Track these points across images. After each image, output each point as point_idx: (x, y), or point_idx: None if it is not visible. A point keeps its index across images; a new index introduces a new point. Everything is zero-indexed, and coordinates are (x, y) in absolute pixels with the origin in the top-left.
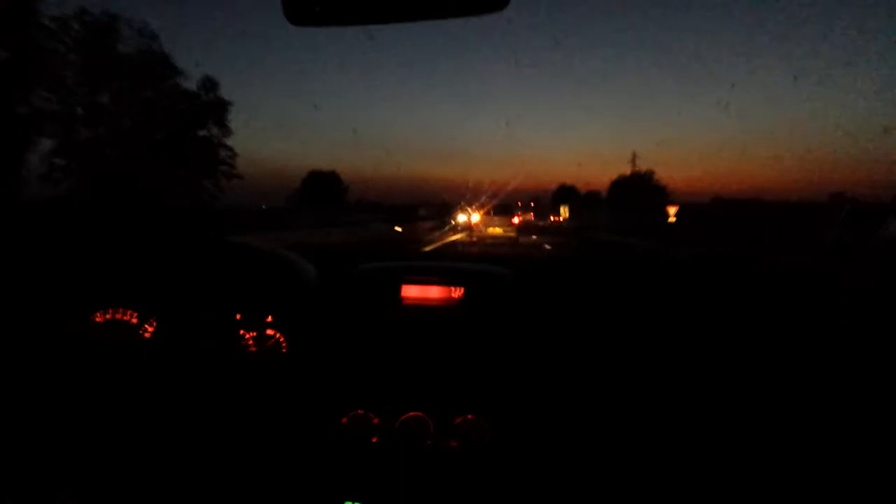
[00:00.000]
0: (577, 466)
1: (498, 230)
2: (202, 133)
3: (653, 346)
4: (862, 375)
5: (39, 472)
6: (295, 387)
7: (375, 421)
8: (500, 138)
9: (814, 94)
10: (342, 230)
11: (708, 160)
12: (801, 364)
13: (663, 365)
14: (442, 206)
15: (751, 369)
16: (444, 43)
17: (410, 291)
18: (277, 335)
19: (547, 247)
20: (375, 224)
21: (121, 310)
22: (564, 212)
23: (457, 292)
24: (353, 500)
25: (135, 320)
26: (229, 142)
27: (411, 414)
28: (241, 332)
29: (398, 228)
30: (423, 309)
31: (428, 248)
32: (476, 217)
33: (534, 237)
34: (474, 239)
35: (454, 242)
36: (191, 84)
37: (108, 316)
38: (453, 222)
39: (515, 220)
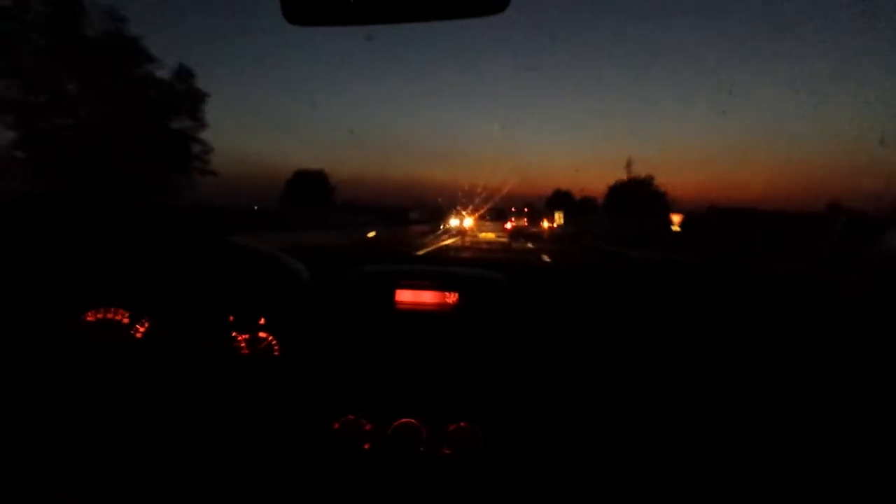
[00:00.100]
0: (571, 474)
1: (491, 235)
2: (175, 125)
3: (647, 353)
4: (856, 379)
5: (39, 472)
6: (287, 391)
7: (368, 427)
8: (494, 142)
9: (812, 103)
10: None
11: (704, 168)
12: (796, 373)
13: (658, 372)
14: (434, 210)
15: (745, 378)
16: (441, 44)
17: (404, 296)
18: (270, 338)
19: (546, 259)
20: (373, 227)
21: (113, 309)
22: (559, 218)
23: (451, 297)
24: None
25: (126, 320)
26: (204, 135)
27: (404, 420)
28: (234, 333)
29: (371, 234)
30: (417, 314)
31: (420, 252)
32: (469, 221)
33: (529, 245)
34: (467, 243)
35: (446, 247)
36: (164, 73)
37: (100, 315)
38: (445, 226)
39: (508, 225)
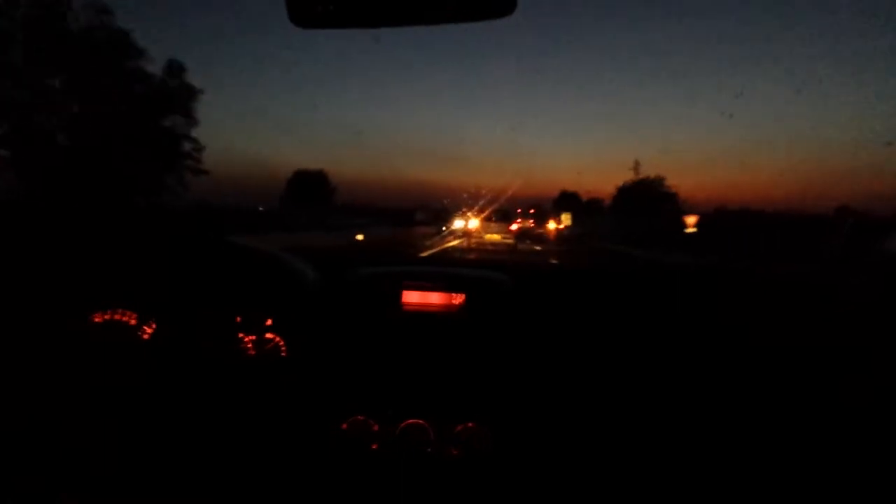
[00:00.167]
0: (578, 475)
1: (496, 237)
2: (166, 122)
3: (653, 354)
4: (860, 381)
5: (39, 472)
6: (294, 391)
7: (375, 427)
8: (500, 144)
9: (819, 105)
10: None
11: (710, 170)
12: (800, 374)
13: (664, 374)
14: (440, 211)
15: (750, 380)
16: (446, 47)
17: (411, 297)
18: (277, 339)
19: (553, 261)
20: (364, 229)
21: (120, 310)
22: (567, 219)
23: (457, 299)
24: None
25: (134, 321)
26: (197, 133)
27: (411, 421)
28: (241, 334)
29: (359, 237)
30: (424, 315)
31: (425, 254)
32: (474, 223)
33: (535, 247)
34: (472, 244)
35: (451, 249)
36: (155, 68)
37: (107, 316)
38: (450, 227)
39: (514, 226)
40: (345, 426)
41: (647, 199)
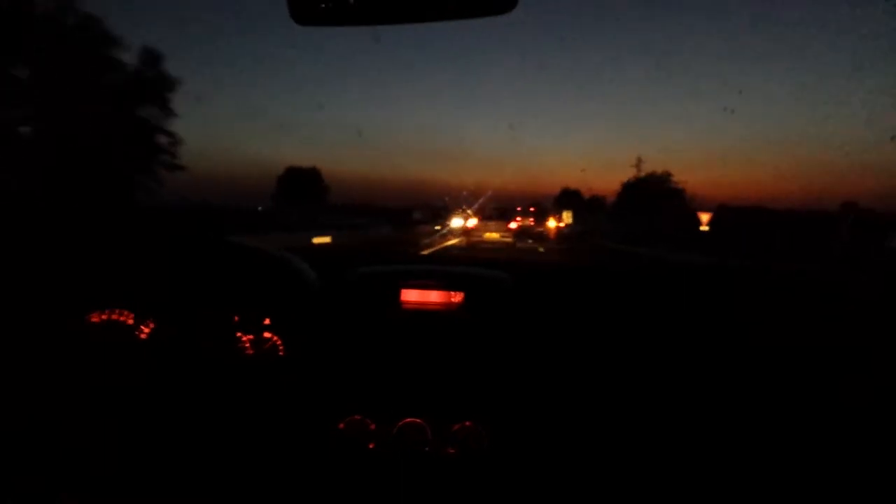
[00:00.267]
0: (575, 474)
1: (495, 235)
2: (140, 115)
3: (653, 354)
4: (860, 379)
5: (39, 472)
6: (292, 390)
7: (372, 426)
8: (500, 142)
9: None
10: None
11: (712, 167)
12: (802, 374)
13: (663, 372)
14: (438, 210)
15: (752, 380)
16: (446, 44)
17: (410, 295)
18: (275, 338)
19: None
20: (381, 228)
21: (117, 310)
22: (567, 217)
23: (456, 297)
24: None
25: (131, 321)
26: (172, 126)
27: (409, 420)
28: (239, 334)
29: (322, 240)
30: (423, 313)
31: (425, 252)
32: (473, 221)
33: (538, 247)
34: (472, 241)
35: (449, 247)
36: (130, 57)
37: (104, 316)
38: (449, 226)
39: (513, 225)
40: (342, 425)
41: (652, 196)
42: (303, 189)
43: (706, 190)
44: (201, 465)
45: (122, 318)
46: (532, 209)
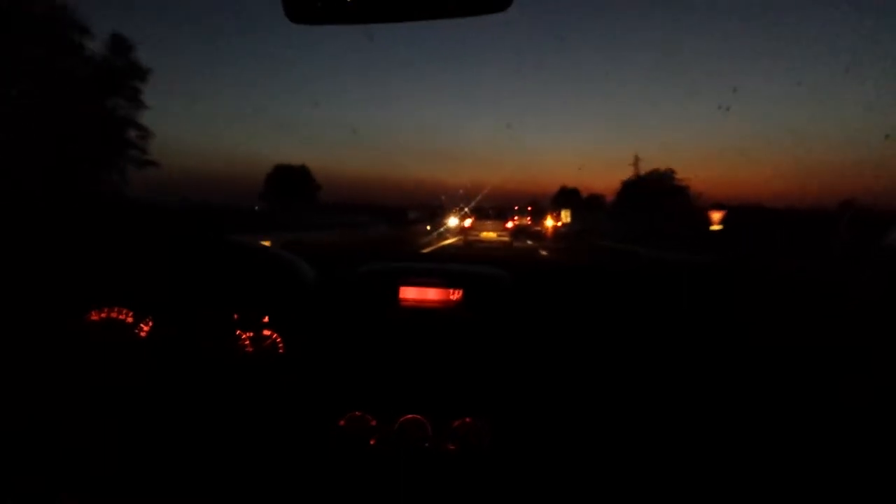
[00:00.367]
0: (575, 470)
1: (491, 234)
2: (107, 106)
3: (653, 351)
4: (860, 379)
5: (39, 472)
6: (292, 388)
7: (373, 423)
8: (497, 141)
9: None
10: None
11: (710, 166)
12: (804, 368)
13: (663, 370)
14: (434, 209)
15: (752, 375)
16: (441, 43)
17: (409, 293)
18: (274, 335)
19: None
20: (378, 227)
21: (116, 308)
22: (566, 216)
23: (455, 294)
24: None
25: (130, 319)
26: (143, 119)
27: (409, 416)
28: (238, 332)
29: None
30: (422, 311)
31: (426, 250)
32: (469, 221)
33: (531, 244)
34: (469, 240)
35: (446, 247)
36: (97, 45)
37: (104, 315)
38: (445, 225)
39: (510, 224)
40: (343, 422)
41: (654, 194)
42: (292, 187)
43: (704, 188)
44: (202, 464)
45: (121, 317)
46: (529, 208)
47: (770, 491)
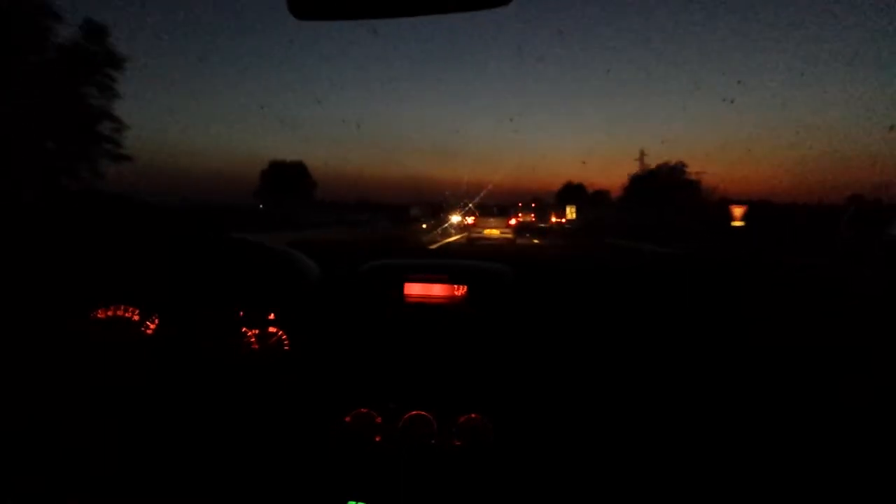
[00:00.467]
0: (580, 466)
1: (494, 231)
2: (76, 96)
3: (657, 347)
4: (863, 377)
5: (40, 473)
6: (297, 385)
7: (378, 419)
8: (500, 137)
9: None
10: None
11: (714, 160)
12: (807, 366)
13: (667, 366)
14: (437, 206)
15: (754, 371)
16: (444, 38)
17: (413, 289)
18: (280, 333)
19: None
20: (379, 224)
21: (122, 307)
22: (571, 212)
23: (460, 290)
24: (357, 500)
25: (137, 317)
26: (117, 111)
27: (414, 413)
28: (244, 329)
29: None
30: (427, 307)
31: (433, 247)
32: (472, 218)
33: (535, 241)
34: (472, 237)
35: (450, 244)
36: (70, 31)
37: (109, 313)
38: (447, 223)
39: (513, 221)
40: (348, 419)
41: (664, 188)
42: (288, 184)
43: (716, 183)
44: (206, 463)
45: (126, 315)
46: (533, 204)
47: (771, 489)
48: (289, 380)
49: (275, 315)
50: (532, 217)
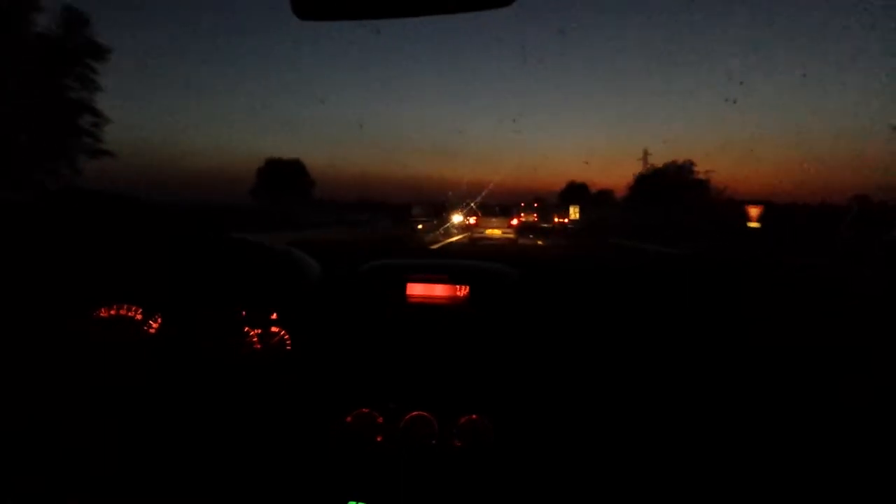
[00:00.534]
0: (580, 467)
1: (496, 231)
2: (62, 87)
3: (659, 348)
4: (862, 377)
5: (39, 473)
6: (299, 385)
7: (380, 420)
8: (501, 136)
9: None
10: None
11: (716, 160)
12: (806, 366)
13: (668, 367)
14: (439, 206)
15: (754, 372)
16: (446, 38)
17: (415, 289)
18: (282, 332)
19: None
20: (383, 223)
21: (125, 306)
22: (574, 212)
23: (462, 291)
24: (357, 501)
25: (139, 317)
26: (98, 103)
27: (415, 413)
28: (246, 329)
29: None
30: (429, 307)
31: (435, 247)
32: (473, 218)
33: (539, 242)
34: (474, 237)
35: (452, 243)
36: (47, 19)
37: (111, 312)
38: (450, 222)
39: (514, 221)
40: (349, 419)
41: (672, 187)
42: (285, 182)
43: (727, 182)
44: (207, 463)
45: (129, 314)
46: (536, 204)
47: (771, 489)
48: (290, 380)
49: (277, 315)
50: (535, 217)
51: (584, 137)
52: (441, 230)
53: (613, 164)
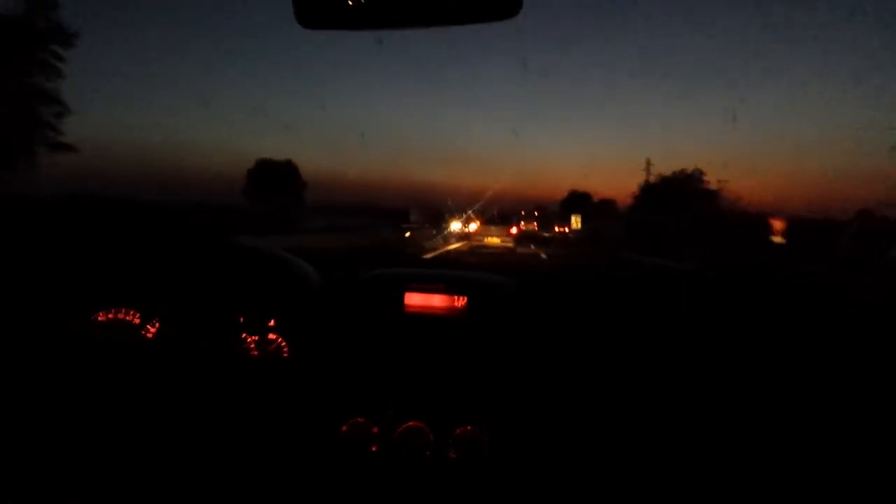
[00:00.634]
0: (575, 480)
1: (495, 240)
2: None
3: (656, 361)
4: (860, 381)
5: (39, 473)
6: (295, 392)
7: (375, 430)
8: (502, 145)
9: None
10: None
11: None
12: (806, 371)
13: (666, 381)
14: (437, 213)
15: (754, 379)
16: (448, 47)
17: (413, 299)
18: (279, 339)
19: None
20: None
21: (123, 309)
22: (576, 222)
23: (460, 301)
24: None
25: (137, 320)
26: (62, 94)
27: (411, 424)
28: (244, 335)
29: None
30: (426, 317)
31: (428, 256)
32: (473, 226)
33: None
34: (473, 246)
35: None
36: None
37: (110, 315)
38: (448, 230)
39: (514, 230)
40: (345, 428)
41: (681, 196)
42: (275, 183)
43: (741, 193)
44: (203, 467)
45: (127, 318)
46: (536, 213)
47: (772, 493)
48: (287, 387)
49: (275, 322)
50: (535, 226)
51: (585, 147)
52: (440, 237)
53: (615, 174)
